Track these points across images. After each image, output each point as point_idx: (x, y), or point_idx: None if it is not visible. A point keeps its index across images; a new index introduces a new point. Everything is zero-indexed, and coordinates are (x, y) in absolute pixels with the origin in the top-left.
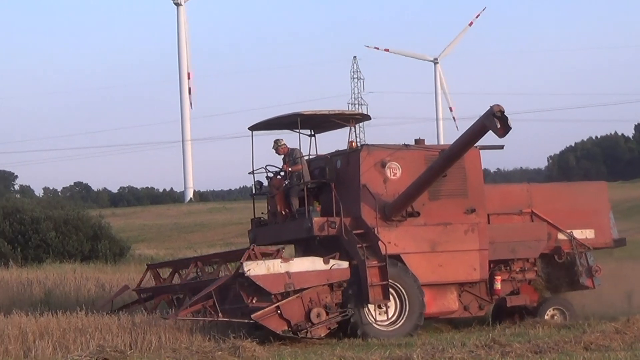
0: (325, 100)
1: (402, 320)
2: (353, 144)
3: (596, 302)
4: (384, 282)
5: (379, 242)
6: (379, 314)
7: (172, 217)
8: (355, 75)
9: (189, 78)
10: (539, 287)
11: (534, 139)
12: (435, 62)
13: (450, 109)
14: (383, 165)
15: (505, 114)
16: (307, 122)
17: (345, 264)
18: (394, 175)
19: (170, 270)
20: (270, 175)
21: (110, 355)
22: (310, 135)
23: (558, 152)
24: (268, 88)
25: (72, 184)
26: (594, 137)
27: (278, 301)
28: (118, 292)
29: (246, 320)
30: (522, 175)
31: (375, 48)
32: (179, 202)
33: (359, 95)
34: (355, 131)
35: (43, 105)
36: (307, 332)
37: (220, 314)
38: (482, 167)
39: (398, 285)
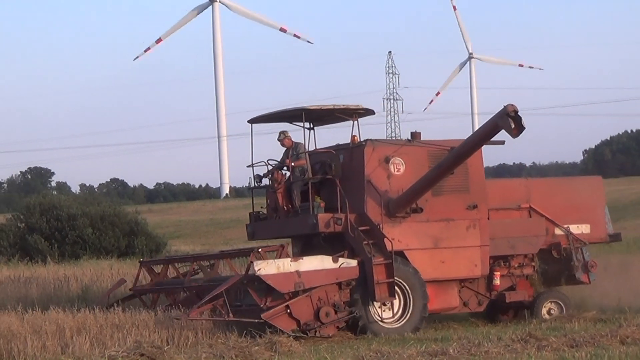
0: (360, 96)
1: (407, 317)
2: (355, 138)
3: (633, 295)
4: (390, 280)
5: (385, 239)
6: (384, 311)
7: (208, 213)
8: (390, 71)
9: (284, 31)
10: (534, 282)
11: (570, 133)
12: (470, 56)
13: (521, 65)
14: (387, 160)
15: (518, 113)
16: (310, 115)
17: (354, 263)
18: (397, 171)
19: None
20: (270, 168)
21: (147, 351)
22: (310, 129)
23: (593, 146)
24: (304, 84)
25: (109, 180)
26: (629, 131)
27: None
28: (114, 285)
29: (256, 320)
30: (557, 170)
31: (430, 102)
32: (214, 198)
33: (394, 91)
34: (357, 126)
35: (79, 102)
36: (316, 331)
37: (230, 314)
38: (484, 163)
39: (402, 282)
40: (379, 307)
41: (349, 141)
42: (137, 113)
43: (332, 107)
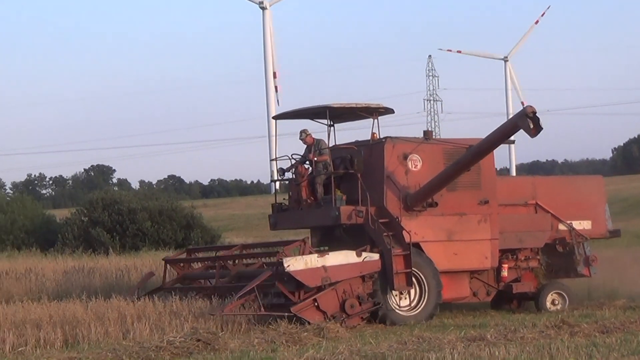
0: (402, 97)
1: (422, 306)
2: (375, 135)
3: None
4: (408, 270)
5: (403, 232)
6: (401, 299)
7: (259, 207)
8: (430, 73)
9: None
10: (538, 274)
11: (600, 131)
12: (505, 60)
13: (522, 104)
14: (405, 157)
15: (537, 114)
16: (334, 113)
17: (376, 256)
18: (414, 167)
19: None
20: (293, 162)
21: (203, 337)
22: (330, 126)
23: (622, 144)
24: (349, 86)
25: (166, 177)
26: None
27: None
28: (144, 278)
29: (286, 314)
30: (588, 166)
31: (448, 50)
32: (265, 193)
33: (434, 92)
34: (377, 124)
35: (138, 103)
36: (342, 323)
37: (262, 308)
38: (519, 160)
39: (419, 272)
40: (397, 296)
41: (369, 138)
42: (192, 113)
43: (354, 105)
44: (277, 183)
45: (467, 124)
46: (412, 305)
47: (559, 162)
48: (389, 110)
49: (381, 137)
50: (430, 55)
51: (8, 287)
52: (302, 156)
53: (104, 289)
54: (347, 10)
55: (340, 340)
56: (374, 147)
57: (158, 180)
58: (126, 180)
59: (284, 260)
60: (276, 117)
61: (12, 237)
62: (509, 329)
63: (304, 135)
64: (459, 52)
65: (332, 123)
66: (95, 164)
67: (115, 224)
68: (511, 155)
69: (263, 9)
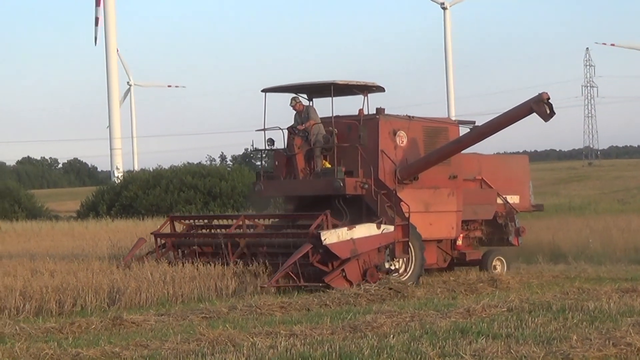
0: (559, 84)
1: (410, 270)
2: (362, 111)
3: None
4: (406, 239)
5: (401, 203)
6: (393, 265)
7: None
8: (587, 63)
9: None
10: (477, 244)
11: None
12: None
13: None
14: (394, 133)
15: (550, 100)
16: (324, 89)
17: (392, 228)
18: (401, 143)
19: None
20: (286, 133)
21: (394, 286)
22: (310, 100)
23: None
24: (515, 73)
25: None
26: None
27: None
28: (135, 245)
29: (320, 284)
30: None
31: (603, 44)
32: None
33: (590, 79)
34: (367, 100)
35: None
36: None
37: (301, 279)
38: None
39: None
40: (390, 262)
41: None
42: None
43: (355, 83)
44: (263, 153)
45: (621, 106)
46: (402, 270)
47: None
48: (379, 89)
49: (367, 113)
50: (587, 48)
51: None
52: (292, 126)
53: None
54: (512, 9)
55: (511, 290)
56: (367, 122)
57: None
58: None
59: (322, 234)
60: (265, 90)
61: (232, 201)
62: None
63: (294, 102)
64: (613, 45)
65: (310, 98)
66: None
67: None
68: None
69: (444, 9)
